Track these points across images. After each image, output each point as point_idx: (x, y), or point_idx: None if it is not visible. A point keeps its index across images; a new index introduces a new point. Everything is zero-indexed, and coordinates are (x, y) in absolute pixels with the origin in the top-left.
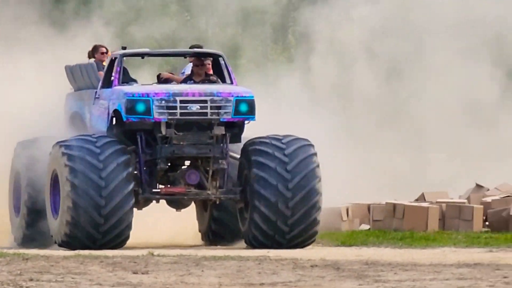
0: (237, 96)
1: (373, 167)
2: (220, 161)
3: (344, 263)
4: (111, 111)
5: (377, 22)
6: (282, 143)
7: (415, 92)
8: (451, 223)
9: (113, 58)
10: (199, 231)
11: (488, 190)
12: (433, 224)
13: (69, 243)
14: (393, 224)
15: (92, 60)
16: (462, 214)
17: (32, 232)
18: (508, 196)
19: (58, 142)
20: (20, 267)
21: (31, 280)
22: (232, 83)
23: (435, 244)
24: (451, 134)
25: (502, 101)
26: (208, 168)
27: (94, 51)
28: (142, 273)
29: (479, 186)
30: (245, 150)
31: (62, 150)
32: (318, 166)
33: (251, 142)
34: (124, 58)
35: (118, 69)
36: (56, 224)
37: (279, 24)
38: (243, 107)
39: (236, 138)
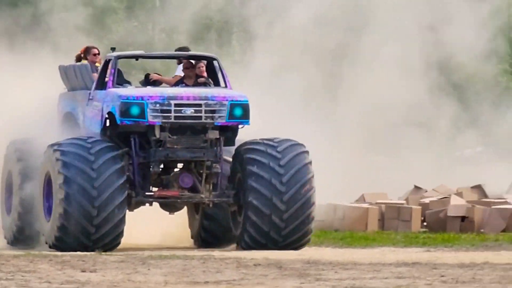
0: (232, 100)
1: (314, 168)
2: (213, 165)
3: (286, 262)
4: (105, 113)
5: (316, 21)
6: (277, 151)
7: (354, 94)
8: (390, 223)
9: (108, 60)
10: (191, 234)
11: (426, 191)
12: (372, 224)
13: (60, 247)
14: (334, 224)
15: (85, 61)
16: (400, 214)
17: (23, 232)
18: (445, 197)
19: (52, 145)
20: None
21: None
22: (226, 86)
23: (374, 244)
24: (389, 137)
25: (439, 105)
26: (201, 171)
27: (86, 53)
28: (90, 272)
29: (417, 188)
30: (239, 155)
31: (56, 156)
32: (312, 176)
33: (246, 149)
34: (119, 59)
35: (113, 71)
36: (48, 226)
37: (224, 30)
38: (238, 111)
39: (230, 142)
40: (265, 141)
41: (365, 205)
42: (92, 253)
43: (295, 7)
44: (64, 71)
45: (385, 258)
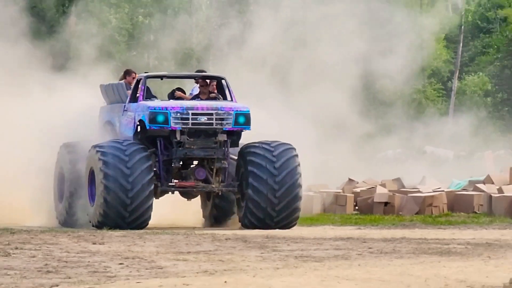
0: (237, 111)
1: None
2: (222, 161)
3: (250, 237)
4: (136, 121)
5: (271, 47)
6: (273, 155)
7: (303, 105)
8: (330, 207)
9: (139, 79)
10: (203, 215)
11: (358, 183)
12: (316, 208)
13: (101, 227)
14: None
15: (122, 81)
16: (338, 201)
17: (72, 216)
18: (373, 187)
19: (95, 146)
20: (8, 239)
21: (16, 248)
22: (232, 100)
23: (318, 223)
24: (329, 140)
25: (369, 115)
26: (212, 167)
27: (126, 74)
28: (99, 244)
29: (351, 180)
30: (242, 155)
31: (98, 156)
32: (300, 175)
33: (247, 151)
34: (147, 79)
35: (143, 87)
36: (92, 210)
37: (202, 57)
38: (241, 119)
39: (235, 144)
40: (263, 145)
41: (311, 193)
42: (101, 230)
43: (255, 38)
44: (104, 89)
45: (326, 234)
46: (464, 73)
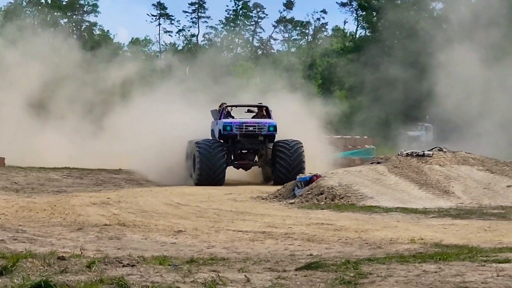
0: (269, 124)
1: None
2: (262, 150)
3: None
4: (219, 129)
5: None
6: (290, 146)
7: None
8: None
9: (221, 107)
10: (263, 177)
11: None
12: None
13: (199, 184)
14: None
15: (218, 108)
16: None
17: (189, 177)
18: None
19: (195, 142)
20: (95, 175)
21: (85, 176)
22: (270, 117)
23: None
24: None
25: None
26: (257, 153)
27: (221, 105)
28: (116, 174)
29: None
30: (274, 146)
31: (196, 147)
32: (304, 156)
33: (276, 144)
34: (226, 107)
35: (223, 112)
36: (194, 175)
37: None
38: (271, 128)
39: (271, 140)
40: (285, 141)
41: None
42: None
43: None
44: (211, 112)
45: None
46: None
